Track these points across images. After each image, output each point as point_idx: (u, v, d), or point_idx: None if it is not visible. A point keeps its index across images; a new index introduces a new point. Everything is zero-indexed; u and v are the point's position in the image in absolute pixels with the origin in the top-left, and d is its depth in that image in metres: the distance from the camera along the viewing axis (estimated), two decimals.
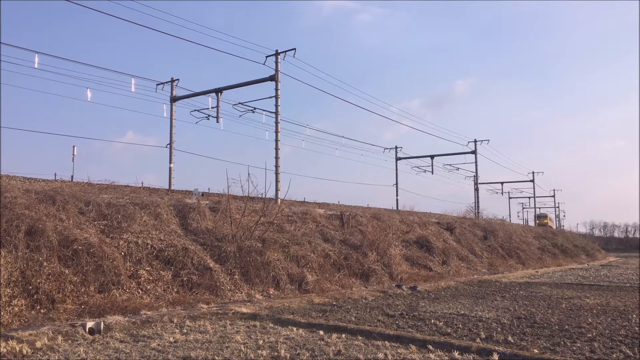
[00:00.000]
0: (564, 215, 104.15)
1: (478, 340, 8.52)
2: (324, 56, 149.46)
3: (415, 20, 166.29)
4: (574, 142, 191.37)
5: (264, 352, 7.48)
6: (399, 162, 49.79)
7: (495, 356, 7.25)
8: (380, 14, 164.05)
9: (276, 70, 24.53)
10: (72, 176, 20.77)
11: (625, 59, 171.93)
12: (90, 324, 8.89)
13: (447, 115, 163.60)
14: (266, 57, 24.67)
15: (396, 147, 49.94)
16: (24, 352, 7.36)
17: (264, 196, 19.34)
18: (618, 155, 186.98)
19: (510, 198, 73.57)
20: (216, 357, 7.22)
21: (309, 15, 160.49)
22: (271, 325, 9.95)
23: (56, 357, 7.22)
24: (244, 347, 7.81)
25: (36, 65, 20.89)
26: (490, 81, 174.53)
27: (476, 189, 50.86)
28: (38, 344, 7.75)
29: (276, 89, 24.47)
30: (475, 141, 48.26)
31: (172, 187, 26.66)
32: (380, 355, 7.32)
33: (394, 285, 17.78)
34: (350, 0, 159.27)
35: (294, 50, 24.40)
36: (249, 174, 24.28)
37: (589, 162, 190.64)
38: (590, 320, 10.80)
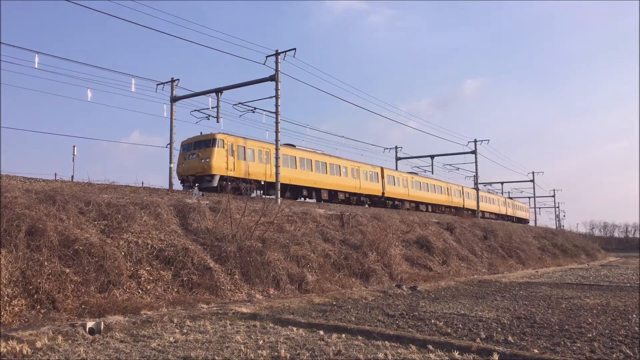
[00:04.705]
0: (564, 215, 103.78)
1: (478, 340, 8.51)
2: (334, 56, 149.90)
3: (424, 21, 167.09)
4: (576, 142, 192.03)
5: (264, 352, 7.48)
6: (399, 162, 49.81)
7: (495, 356, 7.25)
8: (390, 15, 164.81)
9: (276, 70, 24.53)
10: (72, 176, 20.80)
11: (628, 60, 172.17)
12: (90, 324, 8.89)
13: (454, 115, 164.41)
14: (266, 57, 24.65)
15: (396, 147, 49.94)
16: (24, 352, 7.36)
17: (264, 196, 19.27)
18: (619, 155, 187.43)
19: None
20: (216, 357, 7.22)
21: (319, 16, 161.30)
22: (271, 325, 9.95)
23: (56, 357, 7.22)
24: (244, 347, 7.81)
25: (36, 65, 20.77)
26: (498, 82, 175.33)
27: (476, 189, 50.86)
28: (38, 344, 7.75)
29: (276, 89, 24.47)
30: (475, 141, 48.22)
31: (173, 187, 26.65)
32: (380, 355, 7.32)
33: (394, 285, 17.78)
34: (361, 1, 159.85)
35: (294, 51, 24.38)
36: None
37: (590, 162, 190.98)
38: (590, 320, 10.80)
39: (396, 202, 39.05)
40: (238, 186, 24.21)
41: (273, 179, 24.93)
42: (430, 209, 43.66)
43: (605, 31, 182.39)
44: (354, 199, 34.24)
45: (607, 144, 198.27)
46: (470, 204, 52.06)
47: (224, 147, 25.24)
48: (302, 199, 29.04)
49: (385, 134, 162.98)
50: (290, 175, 27.97)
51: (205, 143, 25.33)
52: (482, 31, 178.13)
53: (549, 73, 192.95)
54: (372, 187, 36.35)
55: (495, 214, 59.14)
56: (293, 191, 27.88)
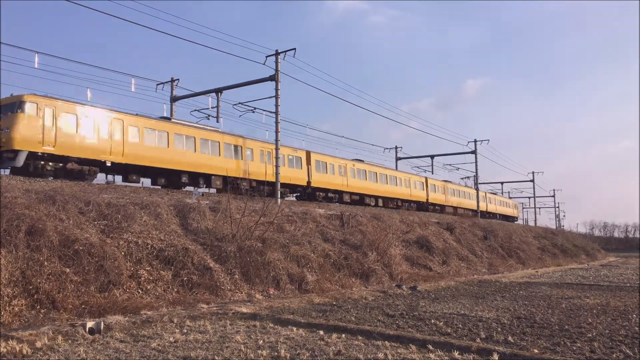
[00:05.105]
0: (564, 215, 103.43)
1: (478, 340, 8.51)
2: (335, 56, 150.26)
3: (425, 21, 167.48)
4: (576, 142, 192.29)
5: (264, 352, 7.48)
6: (399, 162, 49.86)
7: (495, 356, 7.25)
8: (391, 15, 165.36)
9: (276, 70, 24.54)
10: None
11: (628, 60, 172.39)
12: (90, 324, 8.89)
13: (455, 115, 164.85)
14: (266, 57, 24.69)
15: (396, 147, 50.00)
16: (24, 352, 7.36)
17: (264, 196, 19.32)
18: (619, 155, 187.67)
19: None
20: (216, 357, 7.22)
21: (320, 17, 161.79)
22: (271, 325, 9.95)
23: (56, 357, 7.22)
24: (244, 347, 7.81)
25: (36, 65, 20.65)
26: (499, 82, 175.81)
27: (476, 189, 50.84)
28: (38, 344, 7.75)
29: (276, 89, 24.50)
30: (475, 141, 48.26)
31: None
32: (380, 355, 7.32)
33: (394, 285, 17.77)
34: (362, 1, 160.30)
35: (294, 50, 24.42)
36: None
37: (590, 162, 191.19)
38: (590, 320, 10.80)
39: (329, 194, 32.18)
40: (65, 167, 19.11)
41: (128, 160, 20.80)
42: (380, 203, 36.94)
43: (605, 31, 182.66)
44: (266, 188, 24.76)
45: (607, 144, 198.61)
46: (437, 198, 45.38)
47: (37, 114, 18.18)
48: (184, 187, 23.78)
49: (386, 134, 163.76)
50: (159, 155, 22.11)
51: (10, 107, 18.02)
52: (483, 31, 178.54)
53: (549, 73, 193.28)
54: (293, 175, 29.01)
55: (472, 210, 50.13)
56: (167, 176, 22.97)
